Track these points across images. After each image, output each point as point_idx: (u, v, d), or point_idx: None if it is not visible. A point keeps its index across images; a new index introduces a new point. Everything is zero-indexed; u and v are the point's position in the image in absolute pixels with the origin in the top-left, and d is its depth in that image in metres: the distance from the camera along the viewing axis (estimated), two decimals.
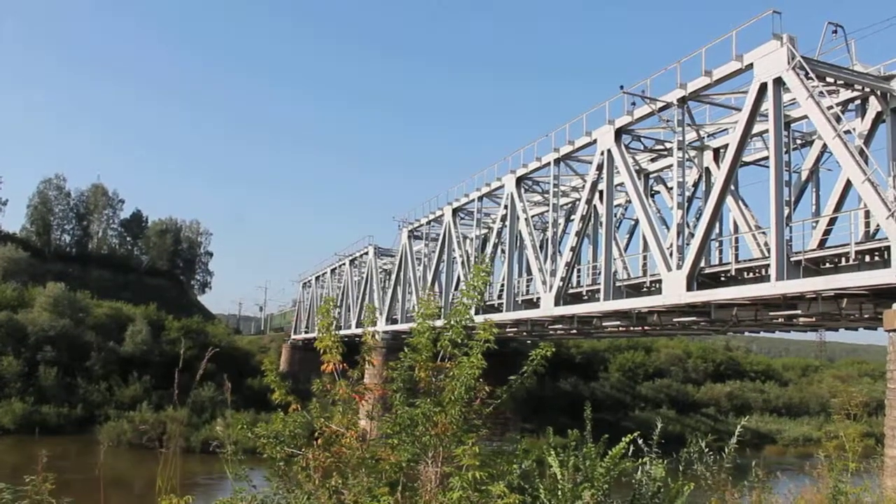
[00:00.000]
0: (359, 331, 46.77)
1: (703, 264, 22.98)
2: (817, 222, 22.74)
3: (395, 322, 46.74)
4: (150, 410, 49.00)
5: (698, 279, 22.33)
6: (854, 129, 20.62)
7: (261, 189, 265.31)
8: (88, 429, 47.66)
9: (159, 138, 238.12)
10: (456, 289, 39.76)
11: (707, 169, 27.19)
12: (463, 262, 38.80)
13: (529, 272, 34.39)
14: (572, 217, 33.05)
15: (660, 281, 24.14)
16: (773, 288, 19.11)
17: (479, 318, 6.26)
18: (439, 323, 5.93)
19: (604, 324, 29.63)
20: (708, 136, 27.24)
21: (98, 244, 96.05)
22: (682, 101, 23.25)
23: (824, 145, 22.57)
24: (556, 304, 29.12)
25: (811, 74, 18.80)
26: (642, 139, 28.03)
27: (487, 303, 36.27)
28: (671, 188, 28.29)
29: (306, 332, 69.64)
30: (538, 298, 31.39)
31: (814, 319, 21.37)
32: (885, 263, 17.58)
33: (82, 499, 5.48)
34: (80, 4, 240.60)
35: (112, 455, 42.14)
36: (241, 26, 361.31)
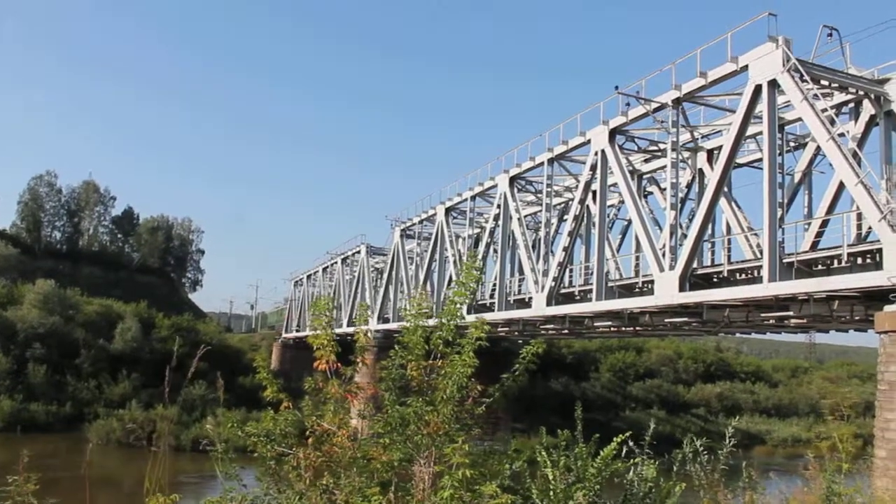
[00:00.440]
0: (350, 329, 46.65)
1: (695, 265, 23.00)
2: (809, 224, 22.80)
3: (386, 321, 46.69)
4: (139, 409, 48.82)
5: (691, 280, 22.34)
6: (847, 132, 20.64)
7: (258, 188, 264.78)
8: (77, 427, 47.51)
9: (158, 137, 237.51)
10: (448, 288, 39.71)
11: (700, 170, 27.22)
12: (455, 262, 38.73)
13: (521, 272, 34.37)
14: (565, 217, 33.06)
15: (652, 281, 24.14)
16: (766, 289, 19.13)
17: (471, 318, 6.22)
18: (432, 322, 5.88)
19: (595, 324, 29.62)
20: (702, 138, 27.28)
21: (89, 241, 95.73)
22: (677, 102, 23.24)
23: (817, 148, 22.62)
24: (549, 303, 29.10)
25: (806, 77, 18.84)
26: (636, 140, 28.03)
27: (479, 302, 36.26)
28: (664, 189, 28.31)
29: (297, 331, 69.56)
30: (530, 298, 31.37)
31: (805, 321, 21.42)
32: (877, 266, 17.62)
33: (69, 498, 5.41)
34: (80, 4, 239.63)
35: (101, 453, 42.04)
36: (241, 26, 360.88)
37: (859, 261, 19.23)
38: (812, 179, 24.59)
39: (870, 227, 19.26)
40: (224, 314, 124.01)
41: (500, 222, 34.24)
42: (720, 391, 72.66)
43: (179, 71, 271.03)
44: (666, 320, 25.27)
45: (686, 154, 27.03)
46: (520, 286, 35.84)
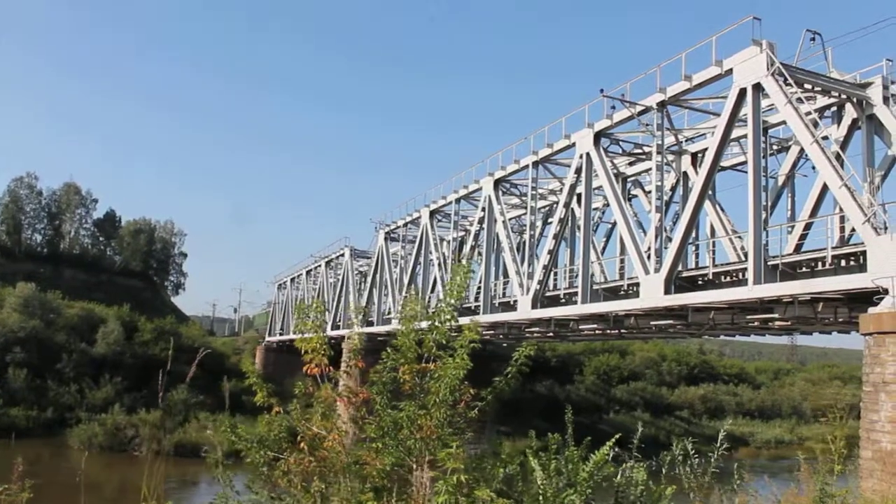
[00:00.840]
0: (334, 333, 46.52)
1: (680, 268, 23.08)
2: (793, 227, 22.92)
3: (370, 324, 46.55)
4: (122, 413, 48.44)
5: (676, 282, 22.42)
6: (831, 136, 20.79)
7: (240, 191, 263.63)
8: (59, 432, 47.01)
9: (141, 141, 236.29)
10: (432, 291, 39.65)
11: (685, 173, 27.32)
12: (440, 264, 38.70)
13: (506, 275, 34.37)
14: (550, 220, 33.09)
15: (637, 284, 24.21)
16: (751, 291, 19.21)
17: (464, 320, 6.17)
18: (424, 324, 5.83)
19: (581, 327, 29.63)
20: (686, 141, 27.38)
21: (70, 244, 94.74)
22: (662, 105, 23.34)
23: (800, 151, 22.77)
24: (534, 306, 29.10)
25: (790, 80, 18.94)
26: (621, 143, 28.10)
27: (464, 305, 36.22)
28: (648, 192, 28.42)
29: (281, 334, 69.27)
30: (515, 301, 31.37)
31: (789, 323, 21.49)
32: (861, 268, 17.74)
33: None
34: (60, 7, 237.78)
35: (83, 458, 41.60)
36: (224, 31, 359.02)
37: (843, 263, 19.34)
38: (795, 182, 24.74)
39: (853, 230, 19.38)
40: (207, 317, 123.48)
41: (485, 225, 34.25)
42: (704, 393, 73.05)
43: (164, 76, 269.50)
44: (651, 323, 25.34)
45: (670, 157, 27.13)
46: (504, 289, 35.84)
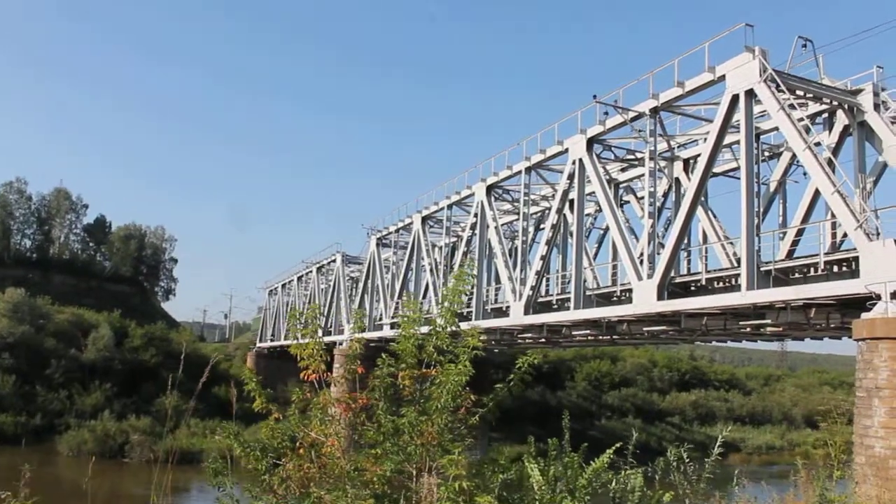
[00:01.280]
0: (326, 339, 46.38)
1: (673, 274, 23.12)
2: (785, 233, 23.01)
3: (362, 330, 46.31)
4: (112, 419, 48.18)
5: (668, 288, 22.45)
6: (822, 142, 20.89)
7: (233, 197, 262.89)
8: (48, 438, 46.70)
9: (134, 147, 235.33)
10: (424, 297, 39.61)
11: (677, 179, 27.40)
12: (432, 270, 38.67)
13: (498, 281, 34.36)
14: (542, 226, 33.11)
15: (629, 290, 24.23)
16: (744, 297, 19.26)
17: (464, 325, 6.15)
18: (424, 329, 5.80)
19: (573, 332, 29.65)
20: (678, 147, 27.47)
21: (60, 249, 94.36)
22: (655, 111, 23.39)
23: (792, 157, 22.88)
24: (526, 312, 29.10)
25: (782, 87, 19.04)
26: (613, 149, 28.15)
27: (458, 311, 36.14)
28: (641, 198, 28.47)
29: (272, 340, 69.13)
30: (507, 307, 31.36)
31: (781, 329, 21.55)
32: (853, 274, 17.80)
33: None
34: (47, 11, 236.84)
35: (74, 465, 41.37)
36: (215, 36, 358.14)
37: (835, 269, 19.41)
38: (787, 188, 24.86)
39: (845, 235, 19.46)
40: (197, 323, 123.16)
41: (477, 231, 34.23)
42: (695, 399, 73.23)
43: (154, 82, 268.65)
44: (644, 329, 25.37)
45: (663, 163, 27.21)
46: (497, 295, 35.82)
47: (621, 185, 31.35)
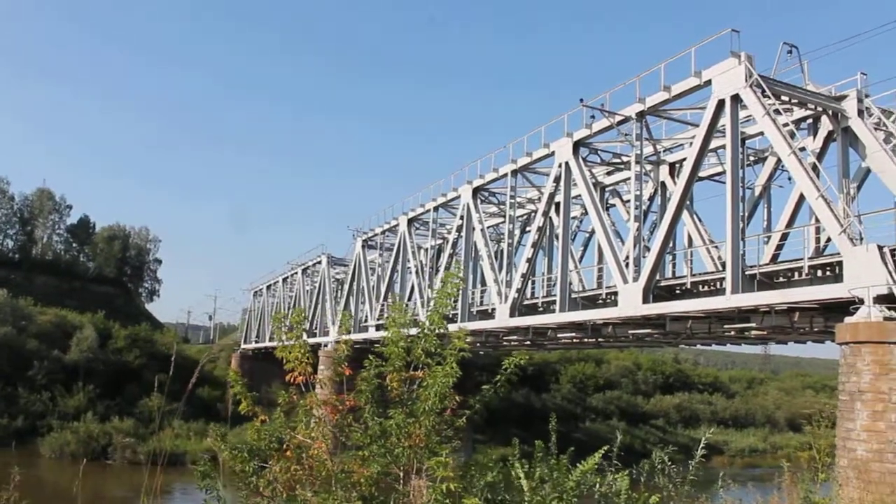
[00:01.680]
0: (311, 341, 46.28)
1: (658, 277, 23.21)
2: (770, 237, 23.15)
3: (347, 332, 46.31)
4: (95, 421, 47.78)
5: (654, 292, 22.53)
6: (807, 147, 21.04)
7: (217, 198, 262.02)
8: (30, 440, 46.21)
9: (117, 147, 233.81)
10: (409, 299, 39.60)
11: (663, 183, 27.52)
12: (417, 272, 38.67)
13: (484, 283, 34.39)
14: (528, 228, 33.17)
15: (615, 293, 24.31)
16: (728, 301, 19.36)
17: (452, 327, 6.15)
18: (413, 331, 5.80)
19: (558, 335, 29.73)
20: (664, 151, 27.59)
21: (43, 250, 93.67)
22: (641, 115, 23.50)
23: (777, 162, 23.03)
24: (512, 315, 29.14)
25: (767, 92, 19.15)
26: (599, 152, 28.25)
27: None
28: (627, 201, 28.58)
29: (257, 342, 68.88)
30: (493, 309, 31.39)
31: (766, 332, 21.70)
32: (836, 278, 17.93)
33: None
34: (27, 7, 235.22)
35: (56, 467, 41.04)
36: (203, 35, 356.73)
37: (819, 273, 19.54)
38: (771, 193, 25.01)
39: (828, 240, 19.60)
40: (182, 324, 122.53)
41: (463, 233, 34.26)
42: (679, 402, 73.49)
43: (138, 79, 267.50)
44: (629, 332, 25.47)
45: (649, 167, 27.32)
46: (482, 297, 35.87)
47: (607, 189, 31.46)
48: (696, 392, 78.23)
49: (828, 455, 7.83)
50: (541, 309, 29.93)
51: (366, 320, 44.19)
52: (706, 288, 22.88)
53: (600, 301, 26.86)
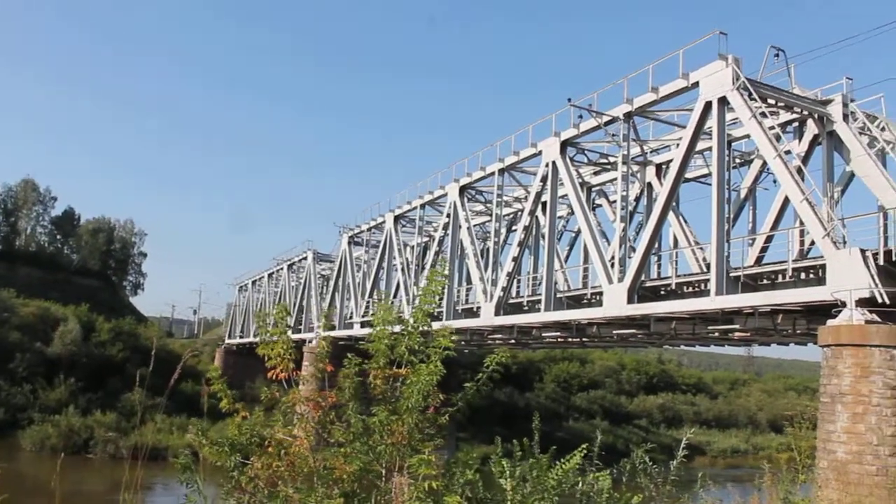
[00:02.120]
0: (295, 336, 46.16)
1: (643, 278, 23.28)
2: (754, 239, 23.26)
3: (332, 328, 46.28)
4: (76, 415, 47.46)
5: (639, 292, 22.60)
6: (792, 150, 21.16)
7: (203, 193, 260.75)
8: (10, 433, 45.88)
9: (104, 142, 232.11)
10: (395, 296, 39.56)
11: (649, 184, 27.60)
12: (403, 270, 38.64)
13: (470, 281, 34.40)
14: (514, 227, 33.20)
15: (600, 293, 24.36)
16: (713, 302, 19.44)
17: (436, 325, 6.14)
18: (397, 328, 5.79)
19: (543, 334, 29.77)
20: (651, 152, 27.66)
21: (26, 241, 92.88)
22: (629, 115, 23.58)
23: (763, 164, 23.15)
24: (497, 313, 29.16)
25: (754, 95, 19.24)
26: (586, 152, 28.30)
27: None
28: (613, 202, 28.65)
29: (241, 337, 68.65)
30: (478, 308, 31.41)
31: (749, 334, 21.82)
32: (820, 281, 18.03)
33: None
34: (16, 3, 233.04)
35: (37, 461, 40.75)
36: (190, 32, 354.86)
37: (802, 276, 19.65)
38: (756, 195, 25.15)
39: (812, 243, 19.74)
40: (166, 318, 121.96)
41: (450, 231, 34.25)
42: (662, 402, 73.82)
43: (127, 76, 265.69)
44: (613, 332, 25.54)
45: (636, 168, 27.39)
46: (467, 295, 35.87)
47: (594, 189, 31.52)
48: (680, 392, 78.60)
49: (808, 456, 7.86)
50: (526, 308, 29.96)
51: (351, 317, 44.13)
52: (691, 289, 22.97)
53: (585, 301, 26.92)
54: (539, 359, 71.93)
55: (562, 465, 6.05)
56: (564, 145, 26.34)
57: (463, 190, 33.56)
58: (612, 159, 27.57)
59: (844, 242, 16.98)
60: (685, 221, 26.47)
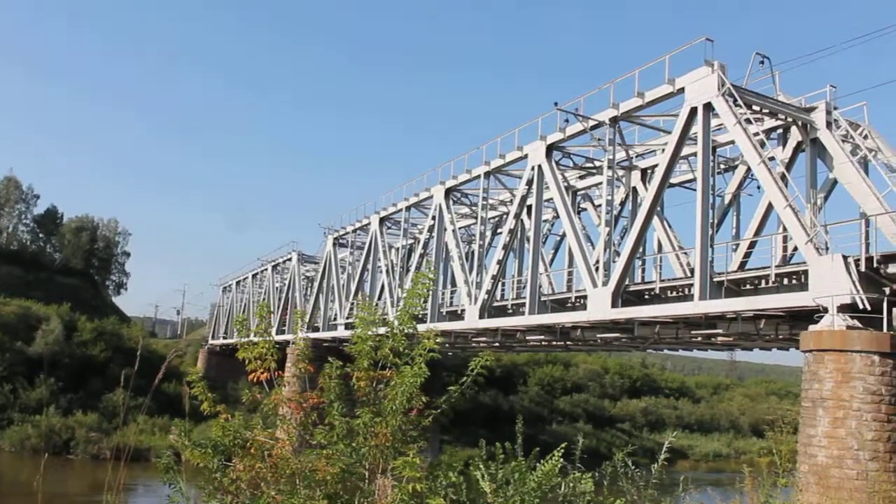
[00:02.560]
0: (279, 337, 45.98)
1: (627, 282, 23.37)
2: (738, 245, 23.40)
3: (316, 330, 46.19)
4: (57, 415, 47.08)
5: (623, 296, 22.68)
6: (776, 157, 21.30)
7: (189, 192, 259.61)
8: None
9: (91, 139, 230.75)
10: (380, 298, 39.53)
11: (634, 188, 27.71)
12: (388, 271, 38.61)
13: (454, 284, 34.40)
14: (499, 230, 33.24)
15: (584, 297, 24.44)
16: (696, 307, 19.54)
17: (421, 327, 6.15)
18: (381, 330, 5.79)
19: (527, 337, 29.82)
20: (636, 157, 27.77)
21: (8, 239, 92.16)
22: (615, 120, 23.67)
23: (747, 170, 23.30)
24: (481, 316, 29.19)
25: (739, 101, 19.38)
26: (572, 156, 28.38)
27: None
28: (598, 206, 28.75)
29: (225, 338, 68.36)
30: (463, 310, 31.42)
31: (732, 339, 21.95)
32: (802, 287, 18.15)
33: None
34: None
35: (16, 461, 40.44)
36: (181, 25, 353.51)
37: (785, 281, 19.78)
38: (741, 201, 25.28)
39: (795, 249, 19.87)
40: (149, 318, 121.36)
41: (435, 234, 34.25)
42: (645, 406, 74.06)
43: (114, 71, 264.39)
44: (597, 335, 25.62)
45: (621, 172, 27.48)
46: (452, 298, 35.87)
47: (579, 193, 31.64)
48: (663, 396, 78.94)
49: (789, 460, 7.91)
50: (510, 311, 30.02)
51: (335, 318, 44.03)
52: (674, 293, 23.09)
53: (569, 304, 27.00)
54: (523, 362, 72.01)
55: (542, 465, 6.07)
56: (550, 149, 26.41)
57: (448, 192, 33.57)
58: (597, 163, 27.67)
59: (827, 249, 17.11)
60: (670, 226, 26.59)
